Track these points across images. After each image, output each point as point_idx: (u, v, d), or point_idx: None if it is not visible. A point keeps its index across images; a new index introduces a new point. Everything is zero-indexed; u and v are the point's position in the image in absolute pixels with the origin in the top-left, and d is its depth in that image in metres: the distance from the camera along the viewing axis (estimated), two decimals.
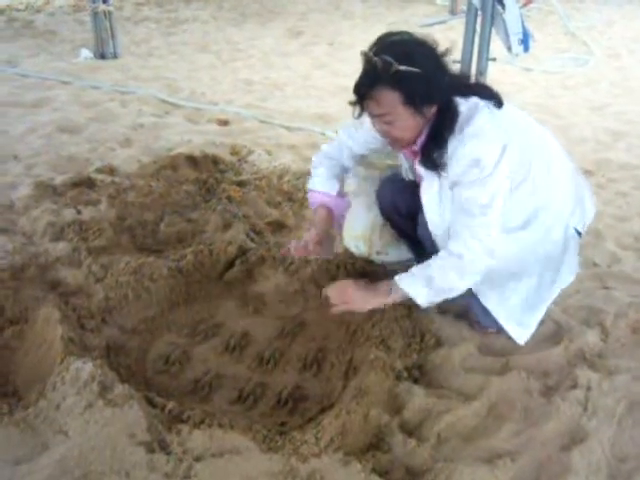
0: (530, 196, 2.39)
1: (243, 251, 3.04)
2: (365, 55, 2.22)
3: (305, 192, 3.71)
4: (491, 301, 2.54)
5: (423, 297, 2.38)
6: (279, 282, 2.93)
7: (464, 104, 2.30)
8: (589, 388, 2.34)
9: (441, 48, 2.26)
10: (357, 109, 2.32)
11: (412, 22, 8.31)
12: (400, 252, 3.06)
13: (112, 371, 2.31)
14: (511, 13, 3.10)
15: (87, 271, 2.91)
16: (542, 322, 2.66)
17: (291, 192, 3.75)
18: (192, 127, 4.66)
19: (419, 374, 2.49)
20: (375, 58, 2.16)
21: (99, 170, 3.82)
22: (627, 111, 5.20)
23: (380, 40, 2.24)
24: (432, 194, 2.41)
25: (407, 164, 2.64)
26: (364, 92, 2.22)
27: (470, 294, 2.53)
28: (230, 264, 3.00)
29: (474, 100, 2.31)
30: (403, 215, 2.76)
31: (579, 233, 2.59)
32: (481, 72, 3.48)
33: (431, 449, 2.13)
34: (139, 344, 2.64)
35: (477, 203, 2.25)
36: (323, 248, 2.84)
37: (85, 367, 2.29)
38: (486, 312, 2.58)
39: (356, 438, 2.15)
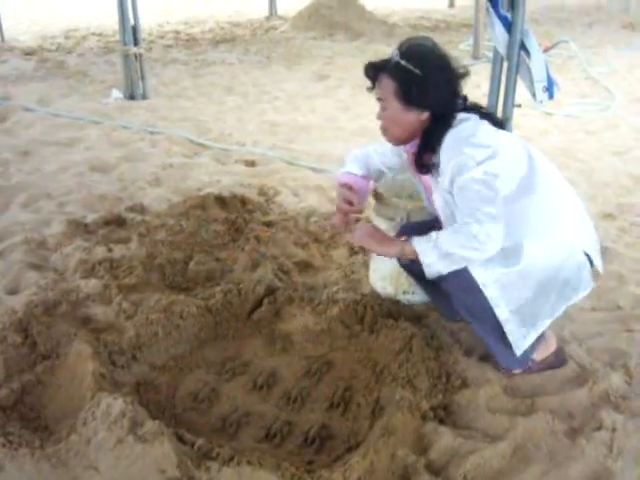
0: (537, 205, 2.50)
1: (271, 290, 3.10)
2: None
3: (331, 234, 3.79)
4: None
5: (429, 257, 2.41)
6: (306, 321, 2.98)
7: (462, 115, 2.47)
8: (614, 429, 2.35)
9: (460, 69, 2.48)
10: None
11: None
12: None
13: (142, 407, 2.36)
14: (536, 61, 3.17)
15: (118, 308, 2.97)
16: (566, 364, 2.69)
17: (318, 233, 3.81)
18: (220, 168, 4.75)
19: (444, 414, 2.50)
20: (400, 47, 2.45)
21: (130, 209, 3.91)
22: None
23: (406, 40, 2.50)
24: (438, 198, 2.54)
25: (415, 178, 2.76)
26: (372, 75, 2.50)
27: (489, 333, 2.58)
28: (258, 303, 3.06)
29: (474, 115, 2.48)
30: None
31: (590, 261, 2.61)
32: (507, 118, 3.54)
33: None
34: (168, 381, 2.70)
35: (474, 181, 2.34)
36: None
37: (116, 403, 2.34)
38: (505, 354, 2.61)
39: (383, 478, 2.17)
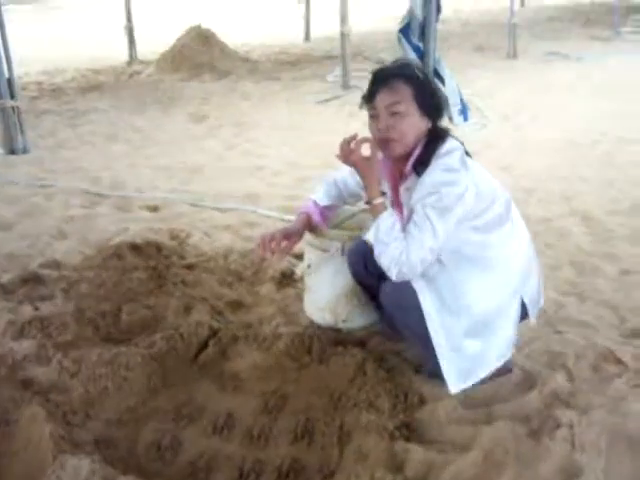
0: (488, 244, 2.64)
1: (214, 332, 3.08)
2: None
3: (253, 271, 3.81)
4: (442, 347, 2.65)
5: (377, 227, 2.54)
6: (254, 359, 2.97)
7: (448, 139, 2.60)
8: (571, 426, 2.48)
9: None
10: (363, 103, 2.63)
11: (308, 99, 8.64)
12: (364, 318, 3.19)
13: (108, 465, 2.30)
14: (449, 87, 3.35)
15: (59, 367, 2.86)
16: (510, 370, 2.83)
17: (240, 271, 3.82)
18: (124, 216, 4.67)
19: (408, 432, 2.56)
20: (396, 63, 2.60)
21: (43, 265, 3.78)
22: (531, 168, 5.57)
23: (400, 59, 2.73)
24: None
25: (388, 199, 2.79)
26: (382, 81, 2.53)
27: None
28: (203, 346, 3.03)
29: (455, 141, 2.62)
30: (373, 273, 2.88)
31: (525, 310, 2.78)
32: None
33: None
34: (126, 434, 2.62)
35: (429, 217, 2.45)
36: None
37: (83, 463, 2.27)
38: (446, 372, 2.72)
39: None
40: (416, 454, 2.40)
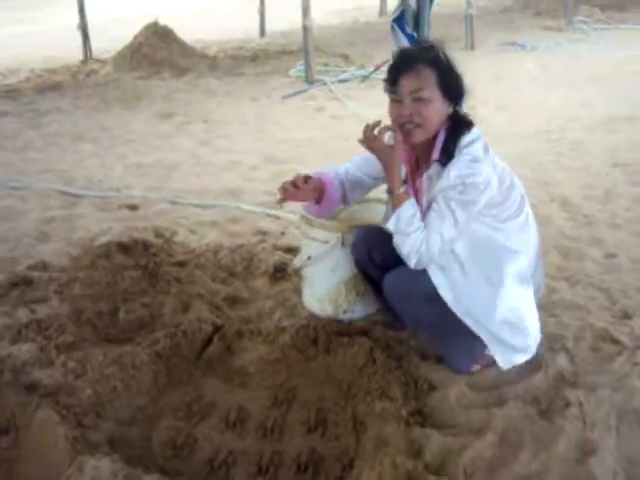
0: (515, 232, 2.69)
1: (217, 327, 3.07)
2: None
3: (244, 266, 3.80)
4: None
5: (399, 216, 2.56)
6: (260, 353, 2.98)
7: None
8: (581, 404, 2.55)
9: None
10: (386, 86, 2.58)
11: (274, 95, 8.62)
12: (365, 307, 3.20)
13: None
14: None
15: (63, 369, 2.83)
16: None
17: (231, 267, 3.81)
18: (105, 215, 4.61)
19: (422, 419, 2.60)
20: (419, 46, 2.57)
21: (32, 267, 3.71)
22: (504, 156, 5.57)
23: (423, 42, 2.71)
24: (426, 203, 2.61)
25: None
26: (406, 65, 2.50)
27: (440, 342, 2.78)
28: (207, 342, 3.02)
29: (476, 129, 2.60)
30: (377, 263, 2.90)
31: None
32: None
33: None
34: (140, 433, 2.61)
35: (450, 208, 2.50)
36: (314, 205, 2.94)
37: (102, 464, 2.27)
38: (458, 357, 2.78)
39: None
40: (433, 439, 2.44)
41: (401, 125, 2.55)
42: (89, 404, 2.63)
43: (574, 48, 11.78)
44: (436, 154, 2.55)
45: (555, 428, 2.45)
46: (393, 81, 2.53)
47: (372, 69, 9.28)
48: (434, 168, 2.58)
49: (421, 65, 2.48)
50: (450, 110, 2.57)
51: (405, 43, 3.41)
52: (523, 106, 7.67)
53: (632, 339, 3.00)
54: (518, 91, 8.49)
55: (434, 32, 13.20)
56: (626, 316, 3.22)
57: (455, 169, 2.49)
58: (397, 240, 2.57)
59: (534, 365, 2.83)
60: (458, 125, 2.57)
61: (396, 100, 2.54)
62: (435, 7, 16.14)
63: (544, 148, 6.04)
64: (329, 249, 3.05)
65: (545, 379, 2.74)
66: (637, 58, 10.58)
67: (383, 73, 7.86)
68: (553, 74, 9.58)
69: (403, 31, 3.39)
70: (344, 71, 9.82)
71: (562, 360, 2.85)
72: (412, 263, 2.55)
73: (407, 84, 2.49)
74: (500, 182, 2.57)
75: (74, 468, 2.27)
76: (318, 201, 2.88)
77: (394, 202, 2.60)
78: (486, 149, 2.56)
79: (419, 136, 2.55)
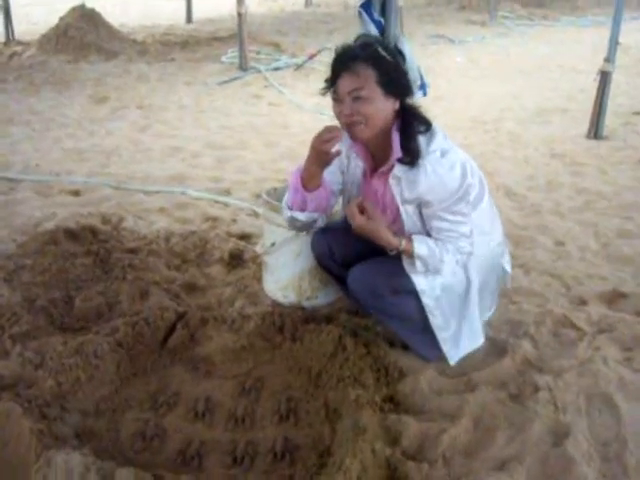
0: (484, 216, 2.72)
1: (180, 315, 2.99)
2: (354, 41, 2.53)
3: (197, 253, 3.72)
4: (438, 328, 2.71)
5: (420, 267, 2.58)
6: (225, 341, 2.92)
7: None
8: (550, 389, 2.60)
9: None
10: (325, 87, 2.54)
11: (208, 81, 8.48)
12: (329, 294, 3.19)
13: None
14: (410, 62, 3.38)
15: (20, 359, 2.70)
16: None
17: (184, 253, 3.72)
18: (47, 201, 4.42)
19: (394, 405, 2.60)
20: (359, 41, 2.50)
21: None
22: None
23: (359, 35, 2.59)
24: (401, 207, 2.59)
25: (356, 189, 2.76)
26: (343, 65, 2.44)
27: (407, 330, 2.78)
28: (170, 330, 2.94)
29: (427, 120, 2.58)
30: (338, 262, 2.88)
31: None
32: None
33: (444, 469, 2.26)
34: (107, 425, 2.51)
35: (454, 212, 2.52)
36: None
37: (72, 458, 2.17)
38: (424, 346, 2.78)
39: (374, 474, 2.22)
40: (409, 425, 2.44)
41: (345, 123, 2.50)
42: (52, 396, 2.52)
43: (500, 42, 12.06)
44: (397, 153, 2.51)
45: (528, 412, 2.48)
46: (332, 81, 2.49)
47: (306, 58, 9.24)
48: (399, 168, 2.52)
49: (359, 63, 2.42)
50: (397, 106, 2.52)
51: (373, 29, 3.39)
52: (457, 98, 7.77)
53: (590, 324, 3.07)
54: (450, 83, 8.60)
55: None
56: (582, 302, 3.30)
57: (430, 168, 2.46)
58: (433, 271, 2.60)
59: (500, 351, 2.87)
60: (410, 120, 2.53)
61: (337, 99, 2.49)
62: None
63: (483, 139, 6.14)
64: (294, 236, 3.01)
65: (512, 364, 2.78)
66: (561, 53, 10.89)
67: (317, 62, 7.93)
68: (482, 67, 9.77)
69: (371, 17, 3.37)
70: (276, 59, 9.76)
71: (527, 345, 2.89)
72: (461, 272, 2.65)
73: (345, 83, 2.43)
74: (467, 163, 2.59)
75: (42, 463, 2.17)
76: (307, 187, 2.73)
77: (406, 254, 2.58)
78: (445, 137, 2.57)
79: (364, 133, 2.49)
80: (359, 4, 3.44)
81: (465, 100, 7.69)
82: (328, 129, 2.46)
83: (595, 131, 6.19)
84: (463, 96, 7.88)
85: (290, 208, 2.70)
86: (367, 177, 2.72)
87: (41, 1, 16.42)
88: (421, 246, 2.54)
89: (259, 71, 8.88)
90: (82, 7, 10.79)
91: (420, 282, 2.60)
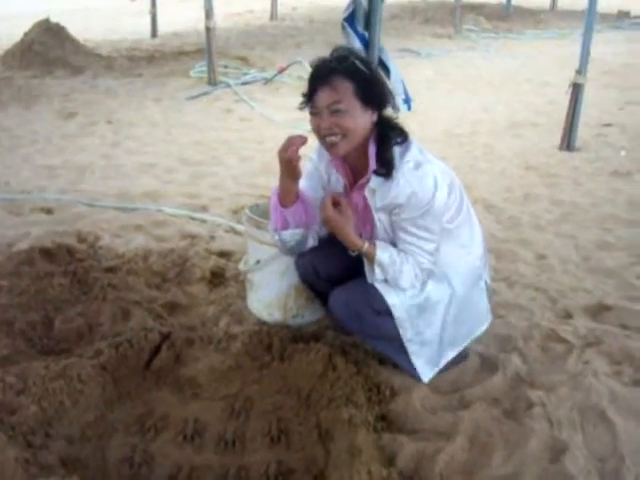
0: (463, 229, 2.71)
1: (165, 336, 2.92)
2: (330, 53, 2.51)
3: (177, 271, 3.65)
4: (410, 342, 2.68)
5: (380, 274, 2.57)
6: (211, 361, 2.85)
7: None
8: (543, 404, 2.58)
9: None
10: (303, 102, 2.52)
11: (178, 96, 8.39)
12: (314, 312, 3.15)
13: None
14: (394, 76, 3.36)
15: (1, 384, 2.59)
16: (467, 356, 2.88)
17: (163, 272, 3.65)
18: (18, 219, 4.31)
19: (386, 424, 2.56)
20: (335, 53, 2.48)
21: None
22: None
23: (336, 48, 2.55)
24: (375, 216, 2.57)
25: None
26: (320, 78, 2.43)
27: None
28: (155, 351, 2.86)
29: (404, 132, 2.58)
30: (323, 279, 2.84)
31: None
32: None
33: None
34: (93, 452, 2.44)
35: (419, 226, 2.51)
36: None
37: None
38: (410, 364, 2.73)
39: None
40: (404, 445, 2.40)
41: (323, 137, 2.48)
42: (36, 422, 2.42)
43: (466, 56, 12.14)
44: (372, 164, 2.50)
45: (523, 428, 2.46)
46: (310, 94, 2.47)
47: (276, 72, 9.20)
48: (375, 180, 2.51)
49: (336, 77, 2.41)
50: (374, 118, 2.51)
51: (357, 43, 3.37)
52: (428, 111, 7.79)
53: (578, 338, 3.07)
54: (420, 97, 8.58)
55: (334, 38, 13.38)
56: (568, 315, 3.30)
57: (403, 180, 2.45)
58: (392, 282, 2.57)
59: (490, 366, 2.85)
60: (387, 131, 2.53)
61: (315, 113, 2.47)
62: (322, 12, 16.25)
63: (458, 152, 6.15)
64: (279, 253, 2.95)
65: (504, 380, 2.76)
66: (527, 66, 11.01)
67: (286, 76, 7.87)
68: (451, 80, 9.83)
69: (354, 31, 3.35)
70: (245, 73, 9.71)
71: (516, 360, 2.88)
72: (418, 287, 2.60)
73: (323, 97, 2.42)
74: (444, 176, 2.56)
75: None
76: (284, 203, 2.70)
77: (367, 258, 2.58)
78: (420, 150, 2.55)
79: (343, 147, 2.48)
80: (343, 18, 3.42)
81: (436, 113, 7.71)
82: (289, 138, 2.47)
83: (568, 143, 6.24)
84: (434, 109, 7.90)
85: (275, 229, 2.69)
86: (348, 191, 2.69)
87: (5, 16, 16.18)
88: (383, 253, 2.53)
89: (228, 85, 8.82)
90: (47, 22, 10.65)
91: (391, 296, 2.58)
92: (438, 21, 16.69)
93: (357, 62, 2.46)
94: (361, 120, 2.45)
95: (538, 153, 6.16)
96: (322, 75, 2.43)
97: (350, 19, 3.40)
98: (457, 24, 14.86)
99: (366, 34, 3.42)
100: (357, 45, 3.42)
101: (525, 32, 15.26)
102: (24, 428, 2.38)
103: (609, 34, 14.46)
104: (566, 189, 5.19)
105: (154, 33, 14.82)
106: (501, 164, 5.80)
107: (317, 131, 2.50)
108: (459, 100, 8.46)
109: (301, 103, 2.52)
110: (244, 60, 10.77)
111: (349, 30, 3.40)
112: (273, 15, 17.46)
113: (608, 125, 7.17)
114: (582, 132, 6.43)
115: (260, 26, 15.82)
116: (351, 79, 2.41)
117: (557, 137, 6.38)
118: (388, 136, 2.52)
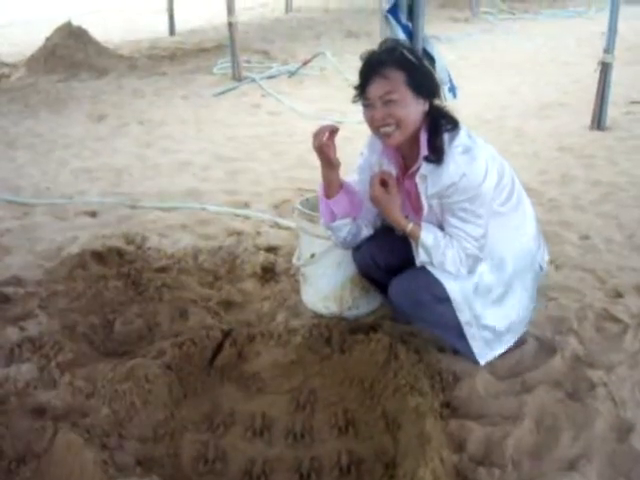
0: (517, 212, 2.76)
1: (226, 333, 2.97)
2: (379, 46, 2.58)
3: (227, 269, 3.70)
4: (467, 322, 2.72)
5: (424, 256, 2.61)
6: (273, 356, 2.91)
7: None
8: (605, 385, 2.61)
9: None
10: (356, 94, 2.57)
11: (204, 93, 8.44)
12: (369, 304, 3.19)
13: None
14: (440, 65, 3.39)
15: (70, 389, 2.67)
16: (524, 340, 2.91)
17: (215, 270, 3.70)
18: (65, 224, 4.38)
19: (451, 411, 2.60)
20: (383, 45, 2.55)
21: (3, 283, 3.49)
22: None
23: (383, 41, 2.64)
24: (423, 203, 2.61)
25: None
26: (372, 70, 2.48)
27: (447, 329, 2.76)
28: (218, 349, 2.92)
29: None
30: (382, 269, 2.88)
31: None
32: None
33: (515, 473, 2.26)
34: (167, 451, 2.48)
35: (466, 210, 2.54)
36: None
37: None
38: (470, 349, 2.78)
39: None
40: (472, 431, 2.44)
41: (377, 128, 2.54)
42: (109, 424, 2.49)
43: (486, 38, 12.08)
44: (424, 151, 2.54)
45: (588, 409, 2.49)
46: (362, 87, 2.52)
47: (300, 64, 9.23)
48: (425, 167, 2.55)
49: (388, 67, 2.47)
50: (426, 107, 2.55)
51: (401, 34, 3.40)
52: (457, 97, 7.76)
53: (631, 317, 3.09)
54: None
55: (352, 27, 13.37)
56: (618, 295, 3.32)
57: (453, 164, 2.49)
58: (438, 265, 2.60)
59: (548, 349, 2.88)
60: (438, 120, 2.56)
61: (368, 105, 2.52)
62: (340, 3, 16.20)
63: (489, 136, 6.11)
64: (333, 245, 2.99)
65: (563, 362, 2.78)
66: (548, 46, 10.95)
67: (309, 68, 7.88)
68: (474, 63, 9.78)
69: (398, 22, 3.38)
70: (268, 67, 9.73)
71: (573, 342, 2.90)
72: (465, 272, 2.62)
73: (376, 88, 2.47)
74: (493, 161, 2.60)
75: None
76: (328, 195, 2.77)
77: (412, 238, 2.63)
78: (469, 135, 2.59)
79: (397, 137, 2.53)
80: (386, 9, 3.45)
81: (465, 98, 7.66)
82: (319, 127, 2.59)
83: (598, 122, 6.22)
84: (461, 94, 7.86)
85: (327, 223, 2.78)
86: (400, 180, 2.73)
87: (20, 21, 16.29)
88: (428, 235, 2.58)
89: (253, 80, 8.85)
90: (69, 25, 10.71)
91: (448, 281, 2.63)
92: (455, 5, 16.57)
93: (406, 52, 2.52)
94: (413, 109, 2.50)
95: (569, 134, 6.15)
96: (374, 67, 2.49)
97: (393, 10, 3.43)
98: (474, 7, 14.80)
99: (410, 25, 3.45)
100: (401, 36, 3.45)
101: (542, 12, 15.14)
102: (98, 430, 2.43)
103: (626, 10, 14.30)
104: (602, 169, 5.19)
105: (172, 31, 14.86)
106: (534, 147, 5.81)
107: (371, 123, 2.55)
108: (485, 84, 8.43)
109: (355, 96, 2.57)
110: (266, 54, 10.80)
111: (393, 21, 3.43)
112: (288, 7, 17.45)
113: (636, 102, 7.12)
114: (611, 110, 6.40)
115: (277, 19, 15.81)
116: (402, 69, 2.47)
117: (586, 117, 6.36)
118: (439, 124, 2.56)
